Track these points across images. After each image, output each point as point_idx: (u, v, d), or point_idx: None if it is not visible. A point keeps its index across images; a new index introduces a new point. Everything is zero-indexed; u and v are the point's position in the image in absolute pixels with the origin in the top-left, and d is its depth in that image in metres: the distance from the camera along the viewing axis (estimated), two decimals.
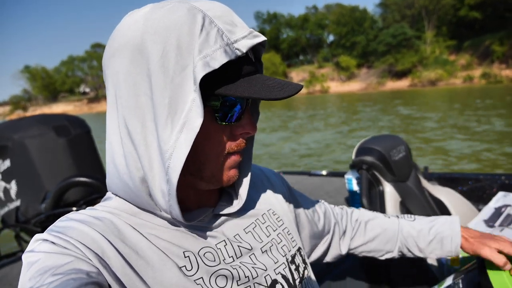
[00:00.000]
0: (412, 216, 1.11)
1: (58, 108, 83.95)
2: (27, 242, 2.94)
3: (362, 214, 1.12)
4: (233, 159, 0.69)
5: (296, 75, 68.28)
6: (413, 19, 58.58)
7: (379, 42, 56.81)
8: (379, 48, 56.32)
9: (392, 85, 52.99)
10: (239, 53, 0.59)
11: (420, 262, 1.58)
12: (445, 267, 1.33)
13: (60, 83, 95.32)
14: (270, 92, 0.60)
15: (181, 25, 0.57)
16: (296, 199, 0.98)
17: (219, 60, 0.56)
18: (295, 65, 77.51)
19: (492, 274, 0.91)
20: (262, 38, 0.63)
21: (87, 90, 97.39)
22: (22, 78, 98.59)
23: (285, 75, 67.29)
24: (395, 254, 1.07)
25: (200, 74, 0.55)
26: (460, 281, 0.97)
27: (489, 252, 0.91)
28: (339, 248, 1.08)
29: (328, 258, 1.09)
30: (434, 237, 1.02)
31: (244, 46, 0.59)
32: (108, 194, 0.73)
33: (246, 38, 0.61)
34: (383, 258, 1.10)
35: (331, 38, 73.95)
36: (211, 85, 0.60)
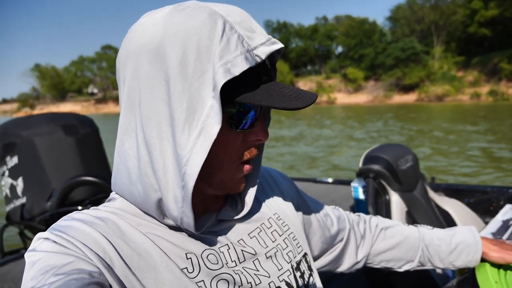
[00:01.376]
0: (429, 226, 1.10)
1: (65, 107, 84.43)
2: (31, 240, 2.95)
3: (381, 220, 1.08)
4: (245, 168, 0.69)
5: (304, 85, 68.38)
6: (422, 34, 58.67)
7: (387, 55, 56.84)
8: (387, 61, 56.32)
9: (399, 98, 52.93)
10: (258, 60, 0.58)
11: (424, 271, 1.57)
12: (453, 277, 1.33)
13: (69, 83, 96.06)
14: (287, 102, 0.60)
15: (201, 30, 0.56)
16: (306, 203, 0.96)
17: (240, 67, 0.56)
18: (303, 75, 77.73)
19: (482, 284, 0.97)
20: (279, 45, 0.62)
21: (95, 91, 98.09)
22: (31, 76, 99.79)
23: (293, 84, 67.25)
24: (414, 264, 1.05)
25: (221, 81, 0.54)
26: None
27: None
28: (356, 255, 1.03)
29: (344, 267, 1.04)
30: (456, 246, 1.02)
31: (263, 52, 0.59)
32: (112, 194, 0.72)
33: (265, 44, 0.60)
34: (401, 269, 1.06)
35: (339, 49, 74.35)
36: (229, 92, 0.59)
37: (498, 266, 1.01)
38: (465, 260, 1.02)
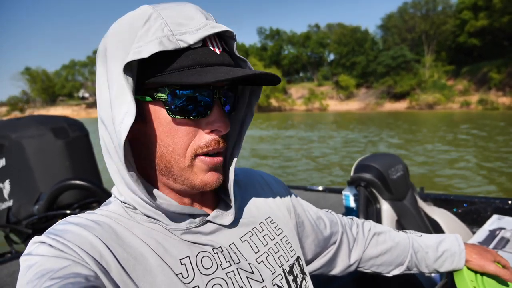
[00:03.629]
0: (418, 232, 1.13)
1: (56, 111, 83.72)
2: (17, 244, 2.90)
3: (373, 225, 1.11)
4: (206, 161, 0.66)
5: (296, 92, 68.65)
6: (413, 43, 59.31)
7: (378, 63, 57.27)
8: (378, 69, 56.73)
9: (390, 106, 53.37)
10: (183, 44, 0.59)
11: (412, 276, 1.58)
12: (440, 280, 1.35)
13: (59, 87, 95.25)
14: (197, 77, 0.58)
15: (130, 23, 0.60)
16: (299, 206, 0.96)
17: (148, 50, 0.57)
18: (295, 82, 77.92)
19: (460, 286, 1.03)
20: (218, 29, 0.61)
21: (86, 95, 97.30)
22: (21, 80, 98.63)
23: (285, 91, 67.69)
24: (402, 269, 1.08)
25: (125, 61, 0.57)
26: None
27: (494, 268, 1.01)
28: (349, 258, 1.05)
29: (337, 270, 1.05)
30: (442, 253, 1.06)
31: (192, 38, 0.59)
32: (110, 198, 0.73)
33: (201, 30, 0.60)
34: (390, 274, 1.09)
35: (331, 57, 74.65)
36: (158, 77, 0.61)
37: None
38: (448, 267, 1.06)
